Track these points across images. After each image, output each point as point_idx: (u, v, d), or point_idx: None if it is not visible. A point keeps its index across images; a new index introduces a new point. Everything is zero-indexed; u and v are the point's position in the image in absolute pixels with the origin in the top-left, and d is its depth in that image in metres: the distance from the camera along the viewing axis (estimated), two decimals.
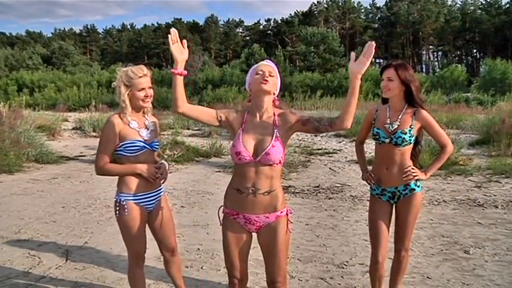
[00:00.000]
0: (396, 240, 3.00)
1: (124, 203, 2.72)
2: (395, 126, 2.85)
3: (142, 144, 2.70)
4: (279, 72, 2.52)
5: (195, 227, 5.16)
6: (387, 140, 2.86)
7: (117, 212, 2.77)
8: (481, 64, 46.63)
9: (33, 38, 78.03)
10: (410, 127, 2.83)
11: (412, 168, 2.88)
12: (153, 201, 2.83)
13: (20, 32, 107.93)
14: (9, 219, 5.51)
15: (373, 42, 2.27)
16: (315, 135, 13.28)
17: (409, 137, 2.83)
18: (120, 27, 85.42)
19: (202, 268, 3.95)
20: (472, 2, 68.84)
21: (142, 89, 2.68)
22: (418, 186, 2.92)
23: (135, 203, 2.73)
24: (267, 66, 2.43)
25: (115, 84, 2.78)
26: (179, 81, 2.27)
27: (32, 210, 5.93)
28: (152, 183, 2.76)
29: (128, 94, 2.68)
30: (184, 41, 2.28)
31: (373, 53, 2.23)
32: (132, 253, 2.83)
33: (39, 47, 63.76)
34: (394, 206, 2.98)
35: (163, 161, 2.87)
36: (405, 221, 2.91)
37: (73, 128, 15.13)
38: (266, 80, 2.34)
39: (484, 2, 66.08)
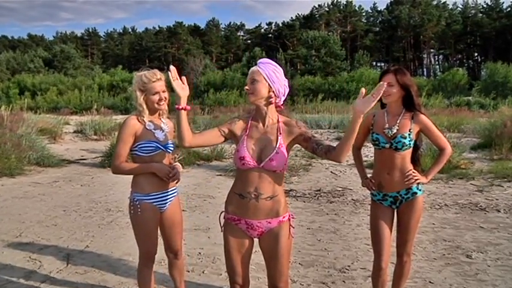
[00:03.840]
0: (399, 245, 2.98)
1: (137, 202, 2.79)
2: (395, 131, 2.84)
3: (157, 145, 2.79)
4: (283, 70, 2.43)
5: (196, 231, 5.14)
6: (387, 145, 2.85)
7: (131, 211, 2.83)
8: (482, 68, 46.64)
9: (35, 41, 78.29)
10: (409, 131, 2.83)
11: (413, 172, 2.87)
12: (166, 201, 2.89)
13: (21, 35, 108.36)
14: (10, 223, 5.51)
15: (385, 83, 2.20)
16: None
17: (409, 141, 2.83)
18: (121, 31, 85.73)
19: (203, 272, 3.93)
20: (473, 5, 68.97)
21: (157, 92, 2.77)
22: (420, 190, 2.91)
23: (148, 202, 2.80)
24: (250, 73, 2.35)
25: (131, 89, 2.87)
26: (183, 116, 2.27)
27: (33, 214, 5.93)
28: (165, 183, 2.83)
29: (143, 98, 2.79)
30: (184, 78, 2.31)
31: (381, 94, 2.17)
32: (143, 253, 2.88)
33: (40, 50, 63.89)
34: (395, 210, 2.97)
35: (177, 163, 2.94)
36: (408, 225, 2.90)
37: (74, 131, 15.15)
38: (248, 92, 2.33)
39: (485, 6, 66.19)
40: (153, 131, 2.80)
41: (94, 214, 5.94)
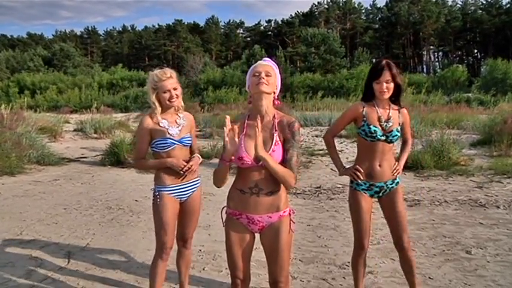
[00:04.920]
0: (399, 236, 2.98)
1: (157, 193, 2.99)
2: (391, 124, 2.92)
3: (171, 141, 2.95)
4: (279, 70, 2.49)
5: (197, 229, 5.11)
6: (382, 138, 2.91)
7: (153, 202, 3.03)
8: (482, 64, 46.58)
9: (34, 40, 78.14)
10: (399, 125, 2.97)
11: (398, 165, 3.03)
12: (187, 192, 3.05)
13: (21, 34, 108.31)
14: (11, 221, 5.52)
15: (258, 119, 2.24)
16: (316, 136, 13.30)
17: (400, 133, 3.00)
18: (120, 29, 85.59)
19: (204, 269, 3.95)
20: (473, 2, 68.82)
21: (167, 90, 2.91)
22: (399, 178, 3.07)
23: (167, 193, 2.97)
24: (264, 66, 2.38)
25: (146, 87, 3.03)
26: (226, 170, 2.34)
27: (34, 212, 5.94)
28: (188, 176, 2.99)
29: (155, 96, 2.94)
30: (235, 128, 2.27)
31: (260, 129, 2.21)
32: (158, 243, 2.99)
33: (40, 49, 63.76)
34: (378, 200, 3.06)
35: (196, 155, 3.05)
36: (401, 211, 2.99)
37: (74, 130, 15.14)
38: (263, 82, 2.31)
39: (484, 2, 66.02)
40: (166, 127, 2.95)
41: (95, 212, 5.95)
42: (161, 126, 2.94)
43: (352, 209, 3.04)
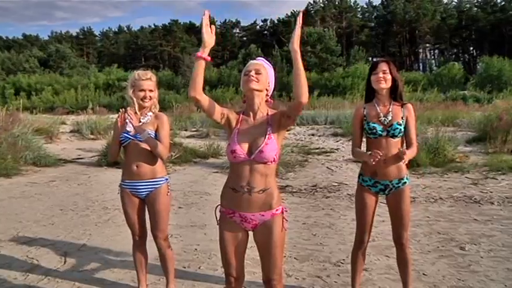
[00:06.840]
0: (399, 233, 3.04)
1: (119, 185, 3.26)
2: (390, 118, 2.95)
3: (125, 135, 3.13)
4: (274, 69, 2.55)
5: (193, 228, 5.18)
6: (384, 133, 2.95)
7: None
8: (478, 62, 46.67)
9: (30, 41, 77.84)
10: (402, 119, 2.97)
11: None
12: (144, 190, 3.17)
13: (16, 35, 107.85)
14: (7, 222, 5.52)
15: (302, 9, 2.31)
16: (312, 135, 13.32)
17: (403, 128, 2.96)
18: (116, 30, 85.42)
19: (199, 268, 3.97)
20: None
21: (143, 90, 3.10)
22: (408, 179, 3.04)
23: (123, 187, 3.22)
24: (255, 64, 2.43)
25: (126, 83, 3.22)
26: (201, 66, 2.28)
27: (30, 213, 5.95)
28: (140, 172, 3.11)
29: (132, 92, 3.13)
30: (213, 27, 2.29)
31: (301, 22, 2.26)
32: (130, 231, 3.28)
33: (36, 50, 63.50)
34: (385, 198, 3.08)
35: (146, 130, 3.05)
36: (404, 211, 3.01)
37: (71, 131, 15.13)
38: (252, 79, 2.35)
39: (479, 0, 66.18)
40: (127, 123, 3.09)
41: (91, 213, 5.96)
42: (125, 122, 3.12)
43: (356, 203, 3.12)
